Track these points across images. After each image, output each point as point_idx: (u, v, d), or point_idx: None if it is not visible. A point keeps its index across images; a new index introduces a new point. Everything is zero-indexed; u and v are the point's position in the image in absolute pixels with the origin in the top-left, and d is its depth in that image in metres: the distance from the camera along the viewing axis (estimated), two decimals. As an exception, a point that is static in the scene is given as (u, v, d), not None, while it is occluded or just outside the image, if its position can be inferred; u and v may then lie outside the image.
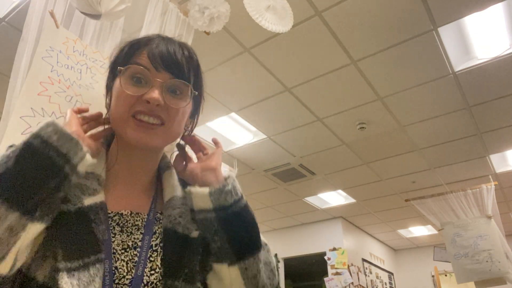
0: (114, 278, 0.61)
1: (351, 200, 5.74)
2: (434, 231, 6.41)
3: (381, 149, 4.33)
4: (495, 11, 2.64)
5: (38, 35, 1.34)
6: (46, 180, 0.56)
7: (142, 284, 0.62)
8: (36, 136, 0.57)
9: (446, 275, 6.81)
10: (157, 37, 0.72)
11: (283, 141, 4.16)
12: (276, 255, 6.67)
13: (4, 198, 0.53)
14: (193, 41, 1.84)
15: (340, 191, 5.47)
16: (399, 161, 4.58)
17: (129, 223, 0.68)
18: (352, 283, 5.87)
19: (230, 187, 0.68)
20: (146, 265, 0.64)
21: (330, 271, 6.00)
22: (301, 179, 5.02)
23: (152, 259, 0.66)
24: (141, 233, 0.68)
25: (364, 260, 6.66)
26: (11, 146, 0.65)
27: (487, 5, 2.55)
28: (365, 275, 6.49)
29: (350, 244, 6.38)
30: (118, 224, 0.67)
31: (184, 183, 0.76)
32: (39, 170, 0.55)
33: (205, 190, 0.68)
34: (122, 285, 0.61)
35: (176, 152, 0.82)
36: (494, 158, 4.53)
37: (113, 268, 0.62)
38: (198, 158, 0.77)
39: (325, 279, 5.95)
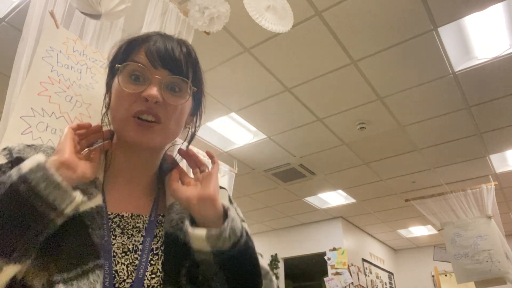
0: (114, 282, 0.60)
1: (351, 200, 5.74)
2: (434, 231, 6.40)
3: (381, 149, 4.33)
4: (495, 11, 2.64)
5: (38, 35, 1.34)
6: (27, 227, 0.54)
7: None
8: (24, 180, 0.55)
9: (446, 275, 6.81)
10: (155, 34, 0.72)
11: (283, 141, 4.16)
12: (276, 255, 6.69)
13: None
14: (193, 41, 1.84)
15: (340, 191, 5.47)
16: (399, 161, 4.58)
17: (130, 225, 0.67)
18: (352, 283, 5.86)
19: (228, 232, 0.62)
20: (147, 268, 0.63)
21: (330, 271, 5.99)
22: (301, 179, 5.02)
23: (153, 262, 0.65)
24: (142, 235, 0.67)
25: (364, 260, 6.66)
26: (4, 149, 0.64)
27: (487, 5, 2.55)
28: (365, 275, 6.48)
29: (350, 244, 6.37)
30: (118, 226, 0.66)
31: None
32: (21, 217, 0.54)
33: (202, 233, 0.62)
34: None
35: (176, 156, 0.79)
36: (494, 158, 4.53)
37: (113, 272, 0.61)
38: (194, 174, 0.72)
39: (325, 279, 5.95)
